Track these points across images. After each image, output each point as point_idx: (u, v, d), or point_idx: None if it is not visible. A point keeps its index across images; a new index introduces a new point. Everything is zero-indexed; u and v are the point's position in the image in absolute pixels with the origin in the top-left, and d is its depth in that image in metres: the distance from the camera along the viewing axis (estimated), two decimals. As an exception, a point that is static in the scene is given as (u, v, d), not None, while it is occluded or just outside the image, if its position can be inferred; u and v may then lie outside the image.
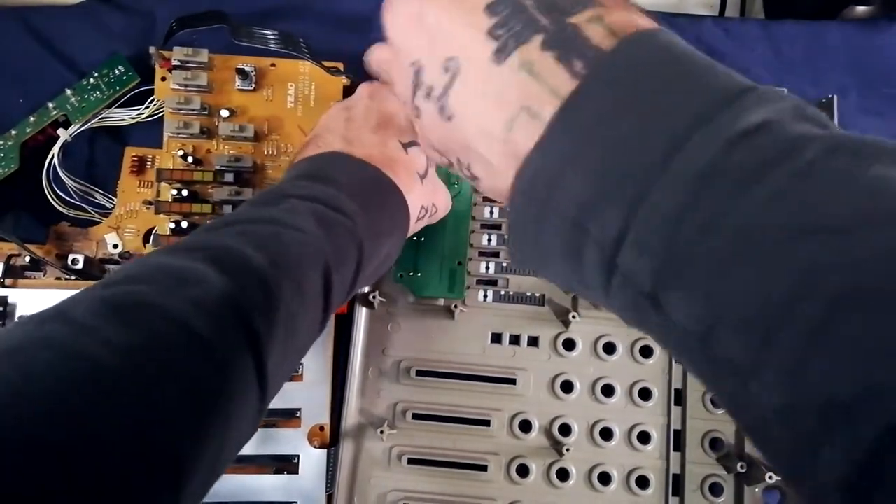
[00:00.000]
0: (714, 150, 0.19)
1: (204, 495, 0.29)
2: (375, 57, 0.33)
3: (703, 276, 0.19)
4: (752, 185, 0.18)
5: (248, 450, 0.46)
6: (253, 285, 0.31)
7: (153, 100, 0.53)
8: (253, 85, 0.51)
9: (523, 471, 0.50)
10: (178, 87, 0.51)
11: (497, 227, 0.54)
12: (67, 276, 0.50)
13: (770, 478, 0.48)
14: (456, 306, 0.52)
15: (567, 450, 0.49)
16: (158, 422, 0.26)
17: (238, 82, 0.51)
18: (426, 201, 0.44)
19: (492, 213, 0.54)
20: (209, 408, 0.27)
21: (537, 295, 0.53)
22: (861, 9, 0.63)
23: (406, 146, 0.42)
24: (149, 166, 0.53)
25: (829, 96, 0.51)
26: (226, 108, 0.50)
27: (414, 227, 0.44)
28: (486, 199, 0.54)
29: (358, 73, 0.52)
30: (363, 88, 0.45)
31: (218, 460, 0.29)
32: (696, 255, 0.19)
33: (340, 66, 0.53)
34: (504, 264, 0.53)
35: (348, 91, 0.51)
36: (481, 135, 0.25)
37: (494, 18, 0.24)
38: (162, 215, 0.50)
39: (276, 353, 0.32)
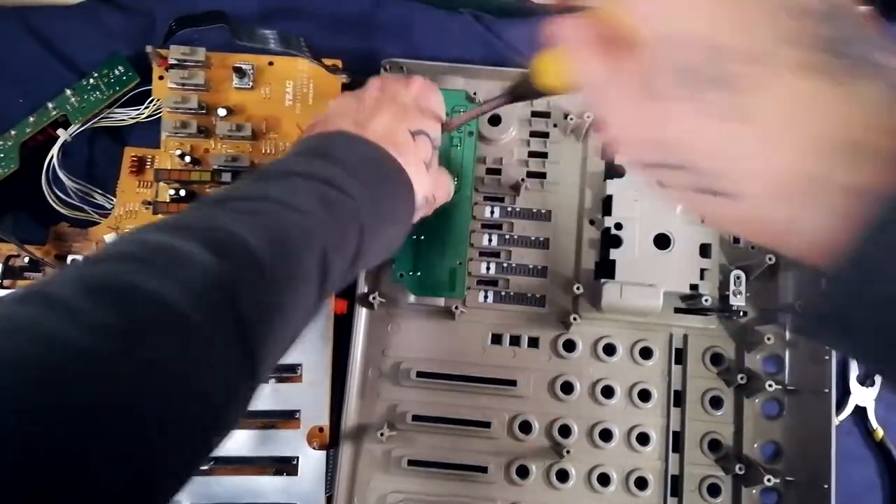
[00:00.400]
0: None
1: (188, 476, 0.29)
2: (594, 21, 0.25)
3: None
4: None
5: (247, 451, 0.46)
6: (247, 269, 0.30)
7: (153, 100, 0.53)
8: (251, 83, 0.51)
9: (523, 472, 0.50)
10: (175, 85, 0.51)
11: (498, 226, 0.54)
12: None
13: (768, 480, 0.48)
14: (456, 307, 0.52)
15: (567, 451, 0.49)
16: (138, 417, 0.25)
17: (236, 81, 0.51)
18: (428, 191, 0.44)
19: (492, 212, 0.54)
20: (195, 395, 0.27)
21: (538, 296, 0.53)
22: (861, 9, 0.62)
23: (414, 134, 0.42)
24: (148, 166, 0.53)
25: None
26: (223, 107, 0.50)
27: (414, 216, 0.44)
28: (486, 198, 0.54)
29: (356, 71, 0.52)
30: (373, 81, 0.45)
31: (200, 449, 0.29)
32: None
33: (339, 63, 0.53)
34: (504, 264, 0.53)
35: (347, 89, 0.51)
36: (791, 151, 0.21)
37: (818, 27, 0.21)
38: (160, 216, 0.50)
39: (268, 338, 0.31)
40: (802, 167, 0.21)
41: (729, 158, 0.23)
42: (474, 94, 0.56)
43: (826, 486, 0.47)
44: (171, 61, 0.51)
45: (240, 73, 0.50)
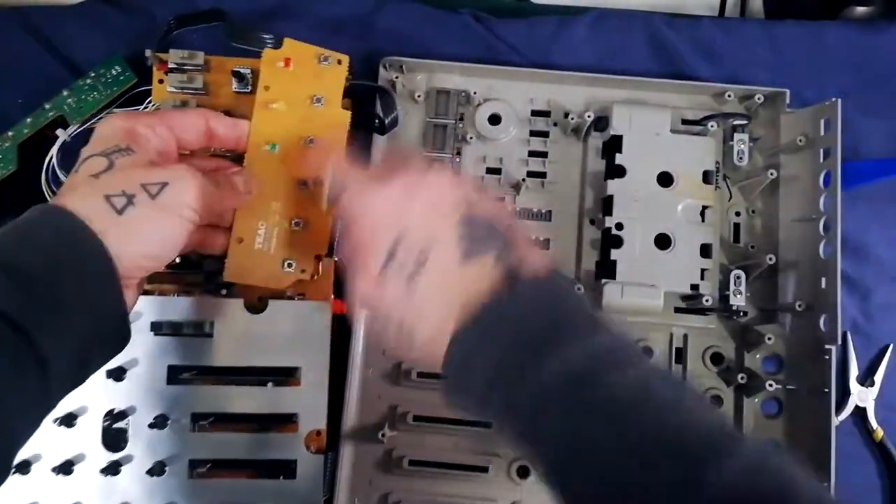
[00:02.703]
0: (572, 359, 0.32)
1: None
2: (349, 231, 0.39)
3: (559, 420, 0.31)
4: (589, 382, 0.31)
5: (245, 455, 0.46)
6: None
7: (151, 100, 0.53)
8: (249, 87, 0.51)
9: (524, 472, 0.50)
10: (174, 89, 0.51)
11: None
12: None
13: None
14: (456, 308, 0.52)
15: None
16: None
17: (234, 84, 0.51)
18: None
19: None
20: None
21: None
22: (861, 9, 0.62)
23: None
24: (148, 167, 0.53)
25: (833, 99, 0.51)
26: (222, 111, 0.50)
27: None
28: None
29: (356, 72, 0.52)
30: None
31: None
32: (556, 407, 0.31)
33: (346, 57, 0.52)
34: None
35: (347, 89, 0.50)
36: (436, 309, 0.34)
37: (461, 233, 0.35)
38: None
39: None
40: (437, 321, 0.34)
41: (406, 317, 0.35)
42: (474, 92, 0.56)
43: (825, 486, 0.48)
44: (171, 65, 0.50)
45: (238, 76, 0.50)
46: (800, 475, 0.28)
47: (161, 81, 0.51)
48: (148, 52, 0.50)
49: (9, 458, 0.32)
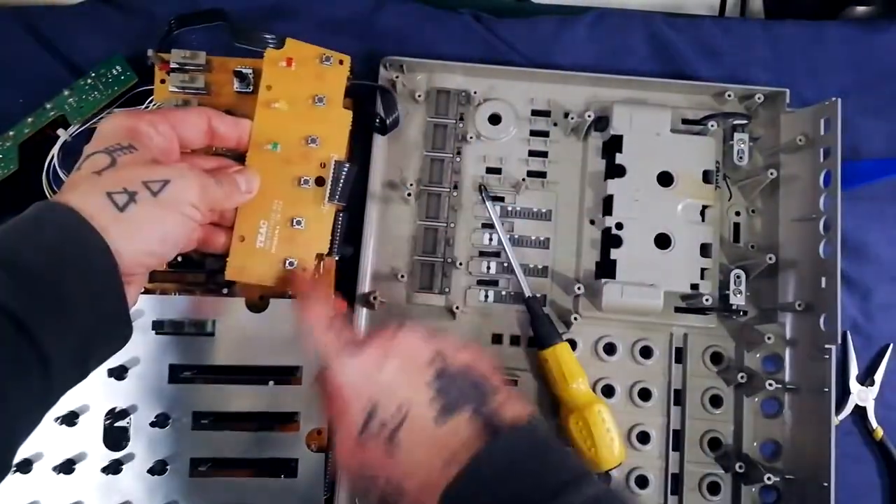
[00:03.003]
0: None
1: None
2: (329, 387, 0.40)
3: None
4: None
5: (246, 453, 0.46)
6: None
7: (152, 100, 0.53)
8: (250, 87, 0.51)
9: (524, 471, 0.50)
10: (176, 89, 0.51)
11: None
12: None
13: (768, 478, 0.48)
14: (457, 307, 0.52)
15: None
16: None
17: (236, 84, 0.51)
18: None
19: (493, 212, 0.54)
20: None
21: (538, 296, 0.53)
22: (861, 9, 0.62)
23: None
24: (149, 167, 0.53)
25: (833, 99, 0.51)
26: (224, 111, 0.50)
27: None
28: (492, 198, 0.54)
29: (353, 74, 0.52)
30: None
31: None
32: None
33: (347, 58, 0.52)
34: (505, 264, 0.53)
35: (348, 90, 0.50)
36: (421, 466, 0.36)
37: (436, 389, 0.37)
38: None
39: None
40: (424, 476, 0.36)
41: (393, 473, 0.37)
42: (475, 92, 0.56)
43: (826, 485, 0.48)
44: (173, 65, 0.51)
45: (240, 76, 0.50)
46: None
47: (163, 81, 0.51)
48: (150, 52, 0.50)
49: (9, 454, 0.33)
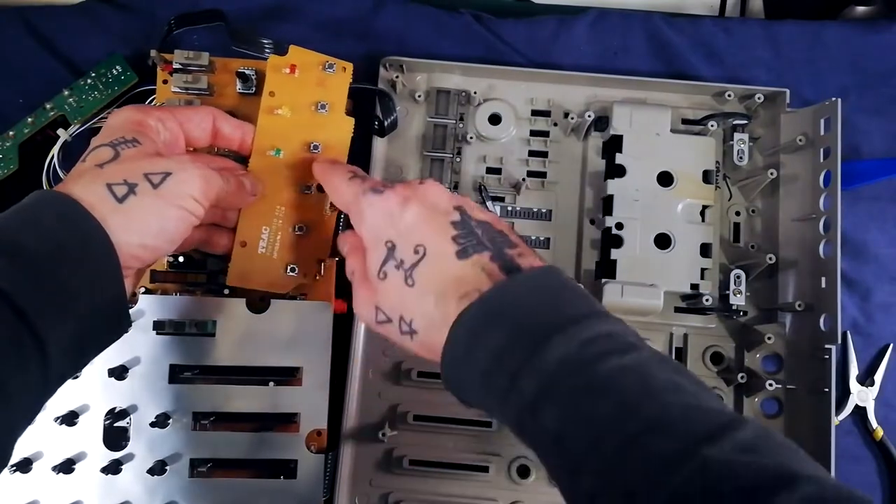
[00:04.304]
0: (572, 344, 0.32)
1: None
2: (349, 239, 0.42)
3: (561, 403, 0.31)
4: (590, 366, 0.31)
5: (245, 454, 0.46)
6: None
7: (153, 100, 0.53)
8: (253, 88, 0.51)
9: (524, 472, 0.50)
10: (178, 90, 0.51)
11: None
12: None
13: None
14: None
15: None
16: None
17: (239, 85, 0.51)
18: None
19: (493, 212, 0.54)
20: None
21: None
22: (861, 9, 0.63)
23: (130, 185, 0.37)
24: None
25: (833, 99, 0.51)
26: (227, 112, 0.50)
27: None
28: (492, 198, 0.54)
29: (354, 74, 0.52)
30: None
31: None
32: (558, 386, 0.31)
33: (349, 65, 0.52)
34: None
35: (349, 90, 0.50)
36: (436, 299, 0.35)
37: (457, 231, 0.37)
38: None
39: None
40: (437, 310, 0.35)
41: (406, 310, 0.37)
42: (475, 92, 0.56)
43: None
44: (175, 65, 0.51)
45: (243, 78, 0.50)
46: (799, 453, 0.29)
47: (165, 82, 0.51)
48: (153, 53, 0.50)
49: (9, 443, 0.33)
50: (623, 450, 0.29)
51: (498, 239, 0.37)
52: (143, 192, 0.37)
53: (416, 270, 0.36)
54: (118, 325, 0.37)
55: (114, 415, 0.45)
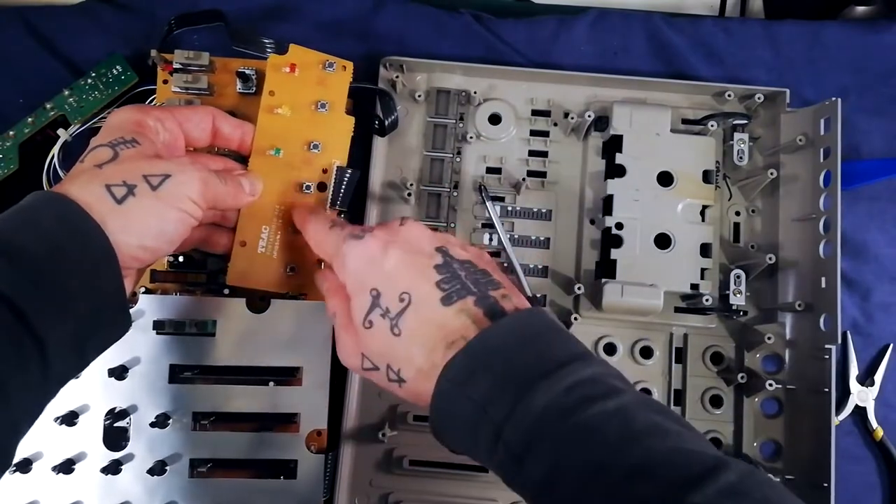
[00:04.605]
0: (556, 391, 0.32)
1: None
2: (329, 278, 0.42)
3: (545, 452, 0.31)
4: (574, 412, 0.31)
5: (245, 454, 0.46)
6: None
7: (153, 100, 0.53)
8: (254, 88, 0.51)
9: (524, 471, 0.50)
10: (179, 90, 0.51)
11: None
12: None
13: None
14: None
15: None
16: None
17: (239, 85, 0.51)
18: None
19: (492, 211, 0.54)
20: None
21: (538, 295, 0.53)
22: (861, 9, 0.63)
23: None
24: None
25: (833, 99, 0.51)
26: (227, 111, 0.50)
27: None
28: (492, 198, 0.54)
29: (354, 74, 0.52)
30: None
31: None
32: (542, 435, 0.31)
33: (349, 64, 0.52)
34: (505, 264, 0.53)
35: (350, 90, 0.50)
36: (423, 348, 0.35)
37: (441, 276, 0.37)
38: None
39: None
40: (425, 360, 0.35)
41: (394, 359, 0.37)
42: (475, 92, 0.56)
43: (826, 486, 0.48)
44: (175, 65, 0.50)
45: (243, 77, 0.50)
46: (784, 493, 0.29)
47: (166, 82, 0.51)
48: (153, 53, 0.50)
49: (11, 445, 0.33)
50: (609, 497, 0.29)
51: (481, 280, 0.37)
52: (141, 193, 0.37)
53: (401, 319, 0.36)
54: (119, 325, 0.37)
55: (114, 415, 0.45)
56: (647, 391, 0.52)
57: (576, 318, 0.52)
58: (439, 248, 0.38)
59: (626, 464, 0.29)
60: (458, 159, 0.55)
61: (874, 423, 0.54)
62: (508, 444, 0.32)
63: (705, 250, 0.52)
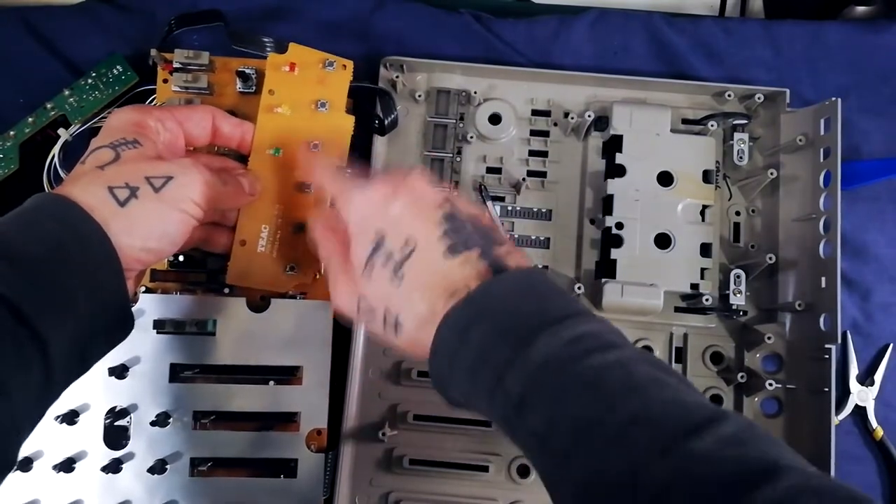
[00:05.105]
0: (556, 343, 0.32)
1: None
2: (320, 223, 0.42)
3: (546, 401, 0.31)
4: (575, 363, 0.31)
5: (245, 453, 0.46)
6: None
7: (153, 100, 0.53)
8: (254, 87, 0.51)
9: (524, 471, 0.50)
10: (178, 89, 0.51)
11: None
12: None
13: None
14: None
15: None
16: None
17: (239, 84, 0.51)
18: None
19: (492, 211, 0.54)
20: None
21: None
22: (861, 9, 0.63)
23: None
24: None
25: (833, 99, 0.51)
26: (227, 111, 0.50)
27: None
28: (492, 198, 0.54)
29: (354, 74, 0.52)
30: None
31: None
32: (543, 383, 0.31)
33: (349, 63, 0.52)
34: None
35: (350, 90, 0.51)
36: (424, 295, 0.35)
37: (447, 226, 0.36)
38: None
39: None
40: (426, 307, 0.35)
41: (393, 304, 0.36)
42: (475, 92, 0.56)
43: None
44: (175, 65, 0.51)
45: (243, 77, 0.50)
46: (783, 446, 0.29)
47: (166, 81, 0.51)
48: (153, 52, 0.50)
49: (15, 447, 0.33)
50: (609, 443, 0.29)
51: (486, 235, 0.37)
52: (144, 195, 0.37)
53: (405, 265, 0.36)
54: (121, 326, 0.38)
55: (114, 414, 0.45)
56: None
57: (576, 318, 0.52)
58: (446, 200, 0.38)
59: (626, 412, 0.29)
60: (458, 159, 0.55)
61: (874, 423, 0.54)
62: (508, 392, 0.32)
63: (705, 250, 0.52)
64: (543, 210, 0.55)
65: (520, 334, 0.32)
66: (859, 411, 0.55)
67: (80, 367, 0.36)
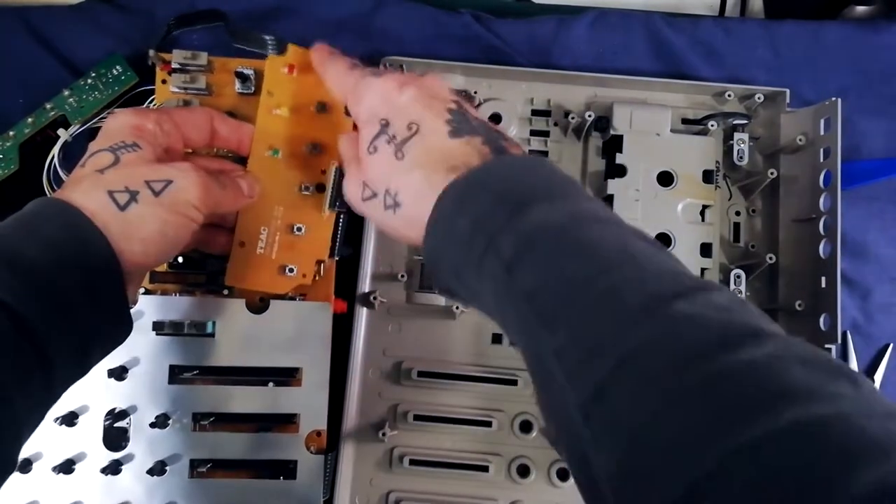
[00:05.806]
0: (555, 213, 0.32)
1: None
2: (347, 134, 0.43)
3: (539, 261, 0.30)
4: (571, 229, 0.31)
5: (245, 455, 0.46)
6: None
7: (153, 100, 0.53)
8: (252, 88, 0.51)
9: (524, 471, 0.50)
10: (177, 90, 0.51)
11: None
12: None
13: None
14: (457, 307, 0.52)
15: (567, 451, 0.49)
16: None
17: (238, 85, 0.51)
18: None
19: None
20: None
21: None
22: (861, 9, 0.62)
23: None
24: (149, 167, 0.53)
25: (833, 99, 0.51)
26: (225, 112, 0.50)
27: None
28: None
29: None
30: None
31: None
32: (536, 245, 0.31)
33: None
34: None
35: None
36: (424, 171, 0.35)
37: (452, 116, 0.37)
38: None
39: None
40: (425, 181, 0.35)
41: (393, 182, 0.36)
42: (475, 92, 0.56)
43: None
44: (174, 65, 0.50)
45: (242, 77, 0.50)
46: (771, 321, 0.29)
47: (164, 81, 0.51)
48: (151, 53, 0.50)
49: (14, 451, 0.33)
50: (596, 303, 0.29)
51: (492, 131, 0.37)
52: (144, 199, 0.37)
53: (406, 145, 0.36)
54: (120, 330, 0.38)
55: (114, 415, 0.45)
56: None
57: (576, 319, 0.52)
58: (456, 99, 0.38)
59: (618, 277, 0.29)
60: (457, 159, 0.55)
61: (874, 423, 0.54)
62: (500, 252, 0.31)
63: (705, 250, 0.52)
64: (543, 210, 0.55)
65: (517, 202, 0.32)
66: (859, 411, 0.54)
67: (80, 370, 0.36)
